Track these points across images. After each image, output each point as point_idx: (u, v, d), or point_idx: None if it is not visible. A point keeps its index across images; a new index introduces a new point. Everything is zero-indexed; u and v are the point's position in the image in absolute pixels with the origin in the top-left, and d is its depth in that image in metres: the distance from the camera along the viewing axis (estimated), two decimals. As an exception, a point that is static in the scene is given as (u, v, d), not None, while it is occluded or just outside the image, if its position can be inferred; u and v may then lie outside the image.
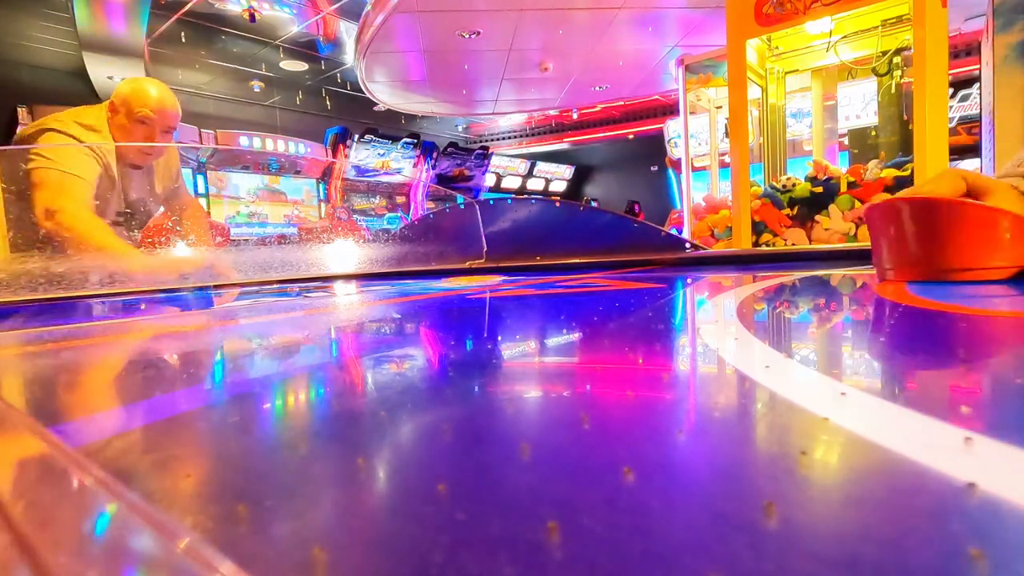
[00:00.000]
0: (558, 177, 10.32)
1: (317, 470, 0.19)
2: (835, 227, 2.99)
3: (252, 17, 5.25)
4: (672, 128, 7.62)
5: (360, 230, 7.70)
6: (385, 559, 0.13)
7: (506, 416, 0.24)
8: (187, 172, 6.45)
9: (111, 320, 0.84)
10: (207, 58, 6.21)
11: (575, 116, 8.52)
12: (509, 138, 9.76)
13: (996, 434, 0.18)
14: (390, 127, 7.99)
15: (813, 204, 3.10)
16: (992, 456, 0.16)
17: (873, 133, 3.50)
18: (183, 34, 5.58)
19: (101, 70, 5.40)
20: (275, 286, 1.34)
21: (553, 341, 0.45)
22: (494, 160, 9.27)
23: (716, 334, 0.44)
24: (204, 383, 0.38)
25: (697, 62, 4.71)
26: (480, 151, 9.00)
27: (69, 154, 1.47)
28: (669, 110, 7.74)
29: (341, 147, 7.47)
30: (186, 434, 0.25)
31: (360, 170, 8.30)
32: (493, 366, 0.36)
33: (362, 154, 7.71)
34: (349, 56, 6.22)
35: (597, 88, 6.73)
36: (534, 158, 9.89)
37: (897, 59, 3.18)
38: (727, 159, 3.84)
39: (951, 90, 4.93)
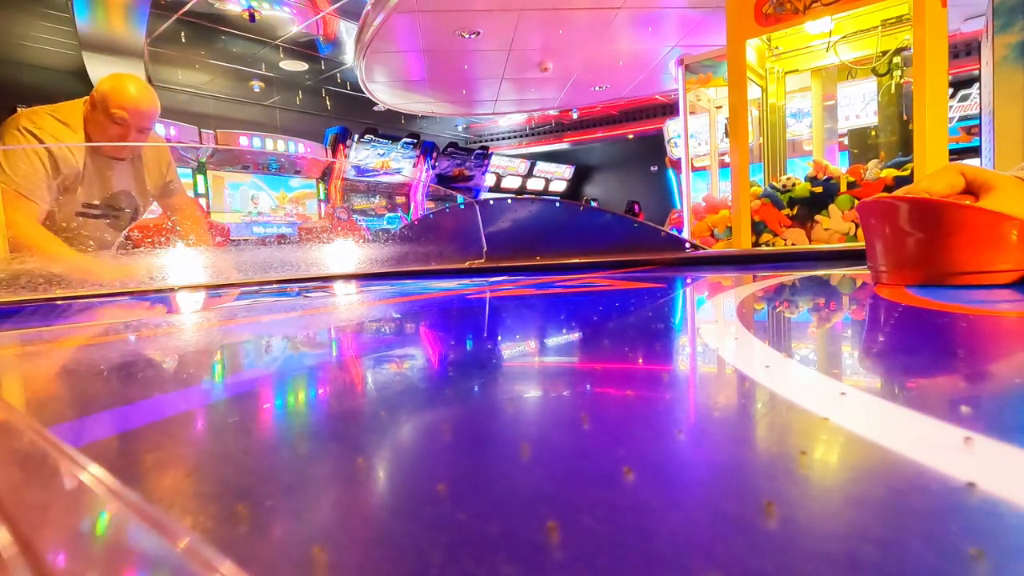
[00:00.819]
0: (558, 177, 10.32)
1: (317, 470, 0.19)
2: (835, 227, 2.99)
3: (252, 17, 5.25)
4: (672, 128, 7.62)
5: (360, 230, 7.71)
6: (385, 559, 0.12)
7: (506, 416, 0.24)
8: (187, 172, 6.47)
9: (111, 320, 0.84)
10: (207, 58, 6.21)
11: (575, 116, 8.53)
12: (509, 138, 9.76)
13: (996, 434, 0.18)
14: (390, 127, 7.99)
15: (813, 204, 3.10)
16: (992, 456, 0.16)
17: (873, 133, 3.50)
18: (183, 34, 5.58)
19: (101, 70, 5.40)
20: (275, 286, 1.34)
21: (553, 341, 0.45)
22: (494, 160, 9.27)
23: (716, 334, 0.44)
24: (203, 383, 0.38)
25: (697, 62, 4.71)
26: (480, 151, 9.01)
27: (25, 165, 1.48)
28: (669, 110, 7.75)
29: (341, 147, 7.47)
30: (185, 434, 0.25)
31: (360, 170, 8.30)
32: (493, 366, 0.36)
33: (362, 154, 7.72)
34: (349, 56, 6.22)
35: (597, 88, 6.73)
36: (534, 158, 9.89)
37: (897, 59, 3.18)
38: (727, 159, 3.84)
39: (951, 90, 4.93)
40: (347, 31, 5.75)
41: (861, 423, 0.19)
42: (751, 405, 0.24)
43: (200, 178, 6.65)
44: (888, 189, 2.89)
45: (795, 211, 3.16)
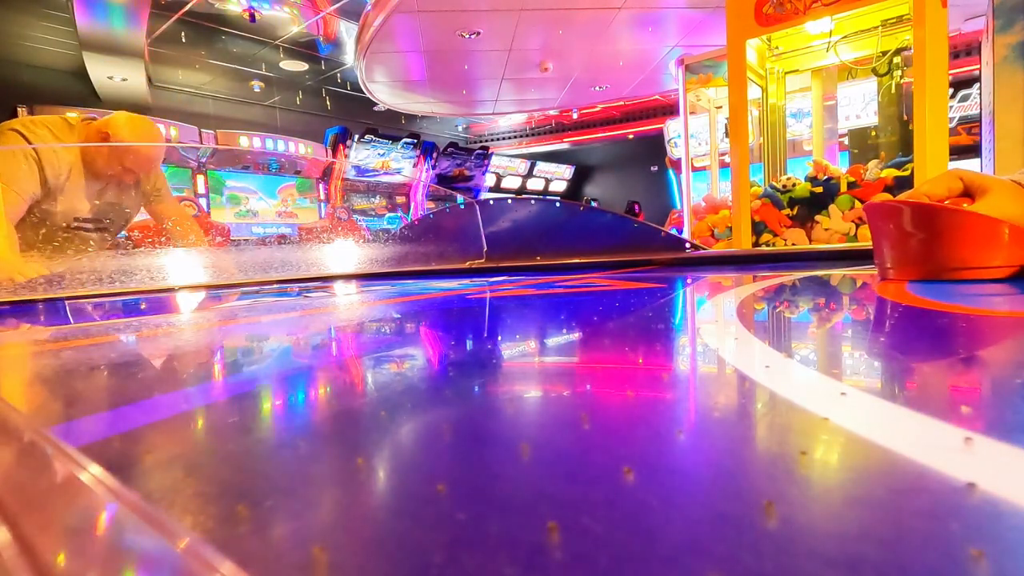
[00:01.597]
0: (558, 177, 10.32)
1: (317, 470, 0.19)
2: (835, 227, 2.99)
3: (252, 17, 5.25)
4: (672, 128, 7.62)
5: (360, 230, 7.71)
6: (385, 559, 0.13)
7: (506, 416, 0.24)
8: (187, 172, 6.48)
9: (113, 320, 0.84)
10: (207, 58, 6.21)
11: (575, 116, 8.52)
12: (509, 138, 9.76)
13: (996, 434, 0.18)
14: (390, 127, 7.99)
15: (813, 204, 3.10)
16: (992, 456, 0.16)
17: (873, 133, 3.50)
18: (183, 34, 5.58)
19: (101, 70, 5.41)
20: (275, 286, 1.34)
21: (553, 341, 0.45)
22: (494, 160, 9.27)
23: (716, 334, 0.44)
24: (203, 383, 0.38)
25: (697, 62, 4.71)
26: (480, 151, 9.01)
27: (13, 166, 1.52)
28: (669, 110, 7.74)
29: (341, 147, 7.47)
30: (185, 434, 0.25)
31: (360, 170, 8.30)
32: (493, 366, 0.36)
33: (362, 154, 7.72)
34: (349, 56, 6.22)
35: (597, 88, 6.73)
36: (534, 158, 9.89)
37: (897, 59, 3.18)
38: (727, 159, 3.84)
39: (951, 90, 4.93)
40: (347, 31, 5.75)
41: (861, 423, 0.19)
42: (751, 405, 0.24)
43: (200, 178, 6.65)
44: (888, 189, 2.89)
45: (795, 211, 3.16)
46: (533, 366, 0.36)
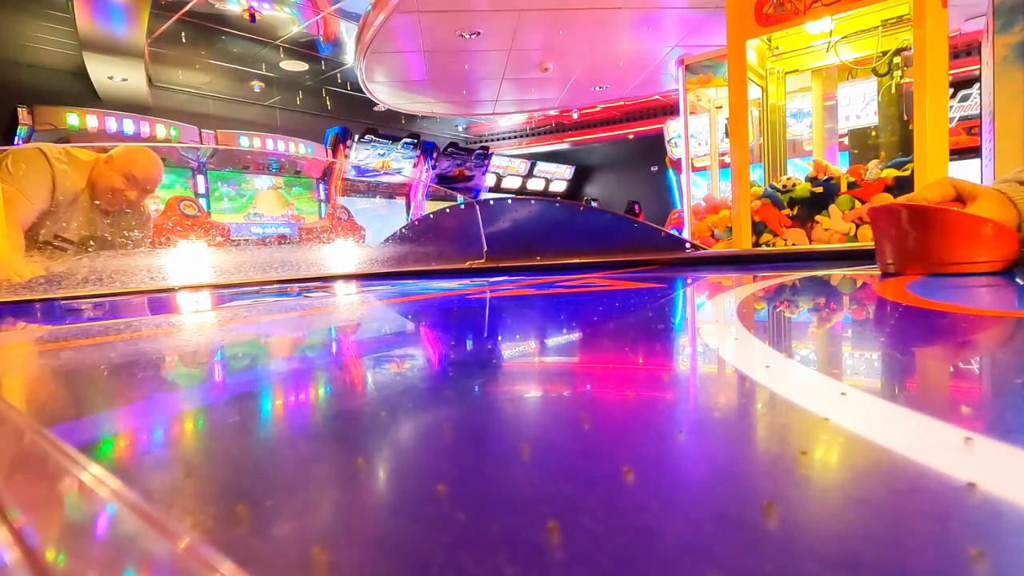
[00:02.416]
0: (558, 177, 10.32)
1: (317, 470, 0.19)
2: (835, 227, 2.99)
3: (252, 17, 5.26)
4: (672, 128, 7.62)
5: (360, 230, 7.71)
6: (385, 559, 0.13)
7: (507, 416, 0.24)
8: (187, 172, 6.48)
9: (113, 320, 0.84)
10: (207, 58, 6.21)
11: (575, 116, 8.52)
12: (509, 138, 9.76)
13: (996, 434, 0.18)
14: (390, 127, 7.99)
15: (813, 204, 3.10)
16: (992, 456, 0.16)
17: (873, 133, 3.50)
18: (183, 34, 5.58)
19: (101, 70, 5.41)
20: (275, 286, 1.34)
21: (553, 341, 0.45)
22: (494, 160, 9.27)
23: (716, 334, 0.44)
24: (203, 383, 0.38)
25: (697, 62, 4.71)
26: (480, 151, 9.00)
27: (32, 176, 1.63)
28: (669, 110, 7.74)
29: (341, 147, 7.46)
30: (185, 434, 0.25)
31: (360, 170, 8.30)
32: (493, 366, 0.36)
33: (362, 154, 7.71)
34: (349, 56, 6.22)
35: (597, 88, 6.73)
36: (534, 158, 9.88)
37: (897, 59, 3.18)
38: (727, 159, 3.84)
39: (951, 90, 4.93)
40: (347, 31, 5.75)
41: (861, 423, 0.19)
42: (751, 405, 0.24)
43: (200, 178, 6.65)
44: (888, 189, 2.89)
45: (795, 211, 3.16)
46: (533, 366, 0.36)
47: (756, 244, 3.22)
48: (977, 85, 4.92)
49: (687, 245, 1.44)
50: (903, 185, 2.85)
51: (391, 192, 8.61)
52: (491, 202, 1.70)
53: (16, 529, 0.15)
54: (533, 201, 1.63)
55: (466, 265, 1.56)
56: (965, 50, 5.61)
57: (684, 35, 5.06)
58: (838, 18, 3.12)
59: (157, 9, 4.86)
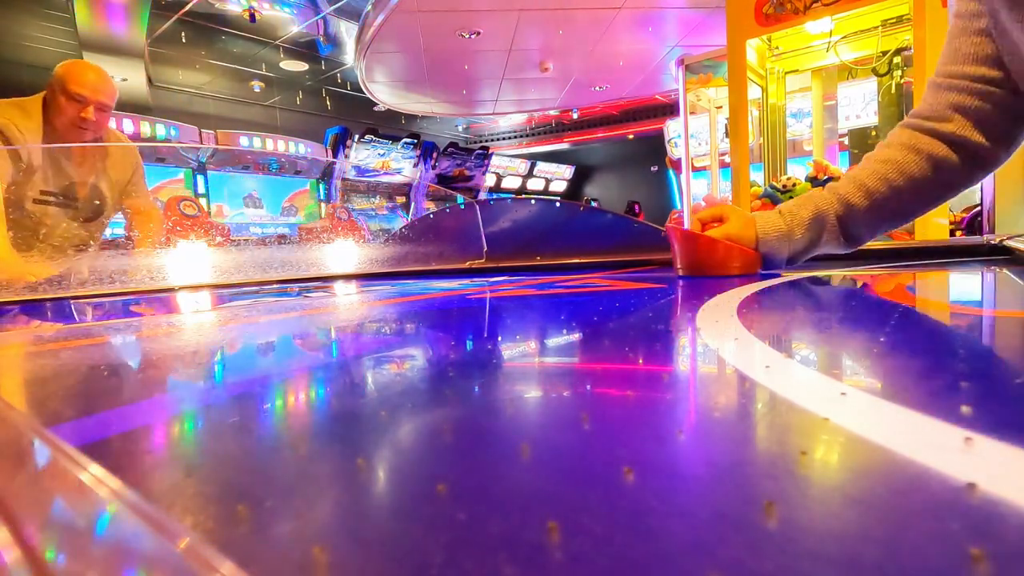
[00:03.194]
0: (558, 177, 10.32)
1: (317, 470, 0.19)
2: (835, 227, 2.98)
3: (252, 17, 5.26)
4: (672, 128, 7.62)
5: (360, 230, 7.70)
6: (385, 559, 0.13)
7: (507, 416, 0.24)
8: (187, 172, 6.48)
9: (113, 320, 0.84)
10: (207, 58, 6.21)
11: (575, 116, 8.52)
12: (509, 138, 9.76)
13: (996, 434, 0.18)
14: (390, 127, 8.00)
15: (813, 204, 3.10)
16: (992, 456, 0.16)
17: (873, 133, 3.50)
18: (183, 34, 5.58)
19: (101, 70, 5.40)
20: (275, 286, 1.34)
21: (553, 341, 0.45)
22: (494, 160, 9.27)
23: (716, 334, 0.44)
24: (203, 384, 0.38)
25: (697, 62, 4.71)
26: (480, 151, 9.01)
27: None
28: (669, 110, 7.74)
29: (341, 147, 7.47)
30: (185, 434, 0.25)
31: (360, 170, 8.30)
32: (493, 366, 0.36)
33: (362, 154, 7.71)
34: (349, 56, 6.22)
35: (597, 88, 6.73)
36: (534, 158, 9.89)
37: (897, 59, 3.18)
38: (727, 159, 3.84)
39: (951, 90, 4.91)
40: (347, 31, 5.75)
41: (861, 423, 0.19)
42: (751, 405, 0.24)
43: (200, 178, 6.65)
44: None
45: (795, 211, 3.15)
46: (533, 366, 0.36)
47: (756, 244, 3.21)
48: (977, 85, 4.90)
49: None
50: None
51: (391, 192, 8.62)
52: (491, 202, 1.71)
53: (16, 529, 0.15)
54: (533, 201, 1.63)
55: (466, 265, 1.56)
56: (965, 50, 5.59)
57: (684, 35, 5.07)
58: (838, 18, 3.12)
59: (157, 9, 4.87)
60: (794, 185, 3.20)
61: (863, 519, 0.13)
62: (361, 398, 0.30)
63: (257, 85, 6.98)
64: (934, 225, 2.71)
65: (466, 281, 1.17)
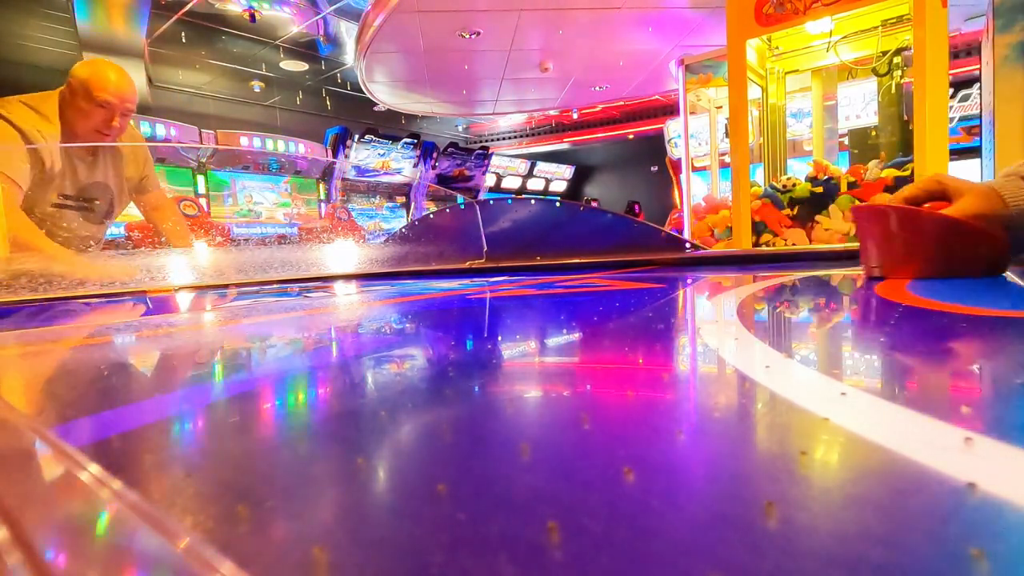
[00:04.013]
0: (558, 177, 10.32)
1: (318, 470, 0.19)
2: (835, 227, 2.99)
3: (252, 17, 5.26)
4: (672, 128, 7.62)
5: (360, 230, 7.71)
6: (386, 559, 0.13)
7: (507, 416, 0.24)
8: (187, 172, 6.48)
9: (112, 320, 0.84)
10: (207, 58, 6.21)
11: (575, 116, 8.52)
12: (509, 138, 9.76)
13: (996, 434, 0.18)
14: (390, 127, 7.99)
15: (813, 204, 3.10)
16: (992, 456, 0.16)
17: (873, 133, 3.50)
18: (183, 34, 5.58)
19: (101, 70, 5.40)
20: (275, 286, 1.34)
21: (553, 341, 0.45)
22: (494, 160, 9.27)
23: (716, 334, 0.44)
24: (203, 384, 0.38)
25: (697, 62, 4.71)
26: (480, 151, 9.00)
27: (2, 148, 1.43)
28: (669, 110, 7.74)
29: (341, 147, 7.47)
30: (186, 434, 0.25)
31: (360, 170, 8.30)
32: (493, 366, 0.36)
33: (362, 154, 7.71)
34: (349, 56, 6.22)
35: (597, 88, 6.73)
36: (534, 158, 9.89)
37: (897, 59, 3.18)
38: (727, 159, 3.84)
39: (951, 90, 4.92)
40: (347, 31, 5.75)
41: (861, 423, 0.19)
42: (751, 405, 0.24)
43: (200, 178, 6.65)
44: (888, 189, 2.89)
45: (795, 211, 3.16)
46: (533, 366, 0.36)
47: (756, 244, 3.22)
48: (977, 85, 4.92)
49: (687, 245, 1.44)
50: (903, 185, 2.85)
51: (391, 192, 8.62)
52: (491, 202, 1.71)
53: (16, 529, 0.15)
54: (533, 201, 1.63)
55: (466, 265, 1.56)
56: (965, 50, 5.60)
57: (684, 35, 5.06)
58: (838, 18, 3.12)
59: (157, 9, 4.87)
60: (794, 185, 3.20)
61: (863, 519, 0.13)
62: (361, 398, 0.30)
63: (257, 85, 6.98)
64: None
65: (466, 281, 1.17)
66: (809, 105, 3.91)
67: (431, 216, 1.94)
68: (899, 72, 3.20)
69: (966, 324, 0.40)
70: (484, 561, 0.12)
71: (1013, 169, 0.62)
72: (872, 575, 0.11)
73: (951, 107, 5.61)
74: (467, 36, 5.00)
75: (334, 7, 5.30)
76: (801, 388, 0.25)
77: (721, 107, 4.76)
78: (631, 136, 8.90)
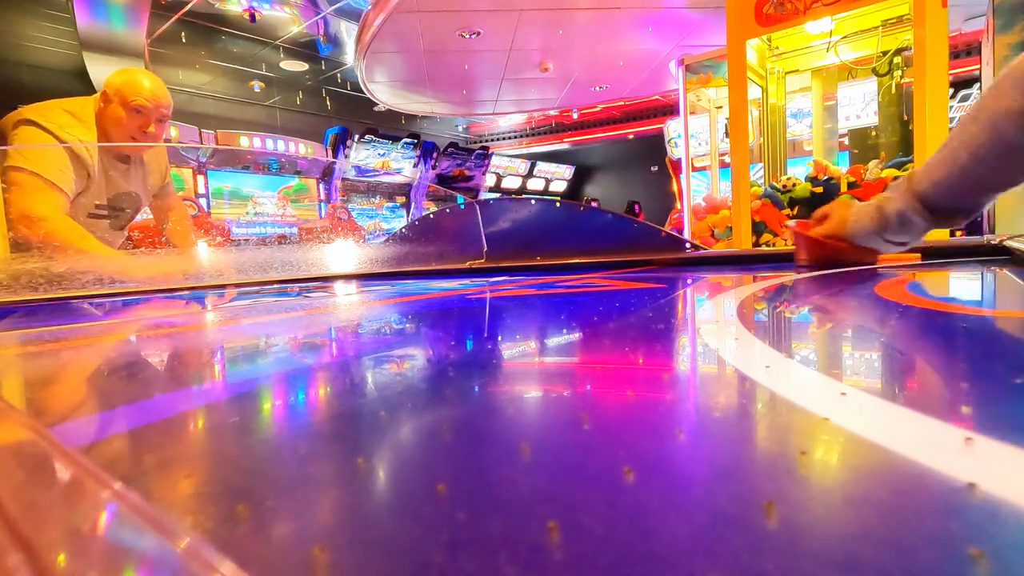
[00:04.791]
0: (558, 177, 10.32)
1: (318, 470, 0.19)
2: (835, 227, 2.99)
3: (252, 17, 5.26)
4: (672, 128, 7.62)
5: (360, 230, 7.71)
6: (386, 559, 0.12)
7: (507, 416, 0.24)
8: (187, 172, 6.48)
9: (112, 320, 0.84)
10: (207, 58, 6.21)
11: (575, 116, 8.53)
12: (509, 138, 9.76)
13: (996, 434, 0.18)
14: (390, 127, 7.99)
15: (813, 204, 3.10)
16: (992, 456, 0.16)
17: (873, 133, 3.50)
18: (183, 34, 5.58)
19: (101, 70, 5.40)
20: (275, 286, 1.34)
21: (553, 341, 0.45)
22: (494, 160, 9.27)
23: (716, 334, 0.44)
24: (203, 384, 0.38)
25: (697, 62, 4.71)
26: (480, 151, 9.01)
27: (47, 154, 1.43)
28: (669, 110, 7.75)
29: (341, 147, 7.47)
30: (186, 434, 0.25)
31: (360, 170, 8.30)
32: (493, 366, 0.36)
33: (362, 154, 7.72)
34: (349, 56, 6.22)
35: (597, 88, 6.73)
36: (534, 158, 9.89)
37: (897, 59, 3.18)
38: (727, 159, 3.85)
39: (951, 90, 4.92)
40: (347, 31, 5.75)
41: (861, 423, 0.19)
42: (751, 405, 0.24)
43: (200, 178, 6.65)
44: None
45: (795, 211, 3.16)
46: (534, 366, 0.36)
47: (756, 244, 3.22)
48: (977, 85, 4.92)
49: (687, 245, 1.44)
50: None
51: (391, 192, 8.63)
52: (491, 202, 1.71)
53: (16, 529, 0.15)
54: (533, 201, 1.63)
55: (466, 265, 1.56)
56: (965, 50, 5.60)
57: (684, 35, 5.06)
58: (838, 18, 3.12)
59: (157, 9, 4.87)
60: (794, 185, 3.20)
61: (863, 519, 0.13)
62: (361, 398, 0.30)
63: (257, 85, 6.98)
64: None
65: (466, 281, 1.17)
66: (809, 105, 3.91)
67: (431, 216, 1.94)
68: (899, 72, 3.20)
69: (966, 324, 0.40)
70: (484, 561, 0.12)
71: (900, 180, 0.86)
72: (872, 575, 0.11)
73: (951, 107, 5.61)
74: (467, 36, 5.00)
75: (334, 7, 5.30)
76: (801, 388, 0.25)
77: (721, 107, 4.76)
78: (631, 136, 8.90)
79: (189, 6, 5.08)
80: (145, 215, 1.91)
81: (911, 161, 2.87)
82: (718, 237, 3.69)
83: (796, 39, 3.45)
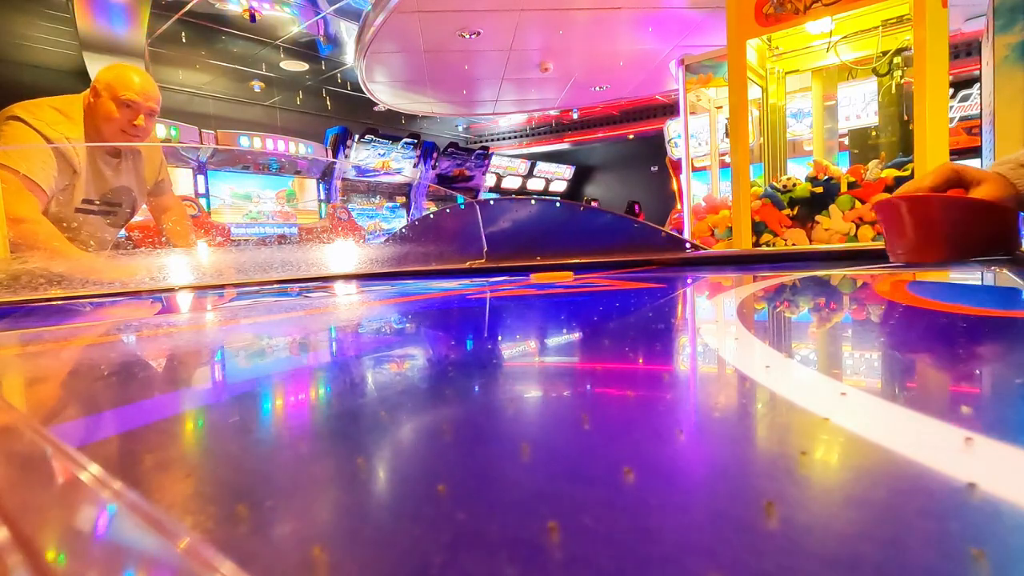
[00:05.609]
0: (558, 177, 10.33)
1: (318, 470, 0.19)
2: (835, 227, 2.99)
3: (252, 17, 5.26)
4: (672, 128, 7.63)
5: (360, 230, 7.71)
6: (386, 559, 0.13)
7: (507, 416, 0.24)
8: (187, 172, 6.48)
9: (111, 320, 0.84)
10: (207, 58, 6.21)
11: (575, 116, 8.53)
12: (509, 138, 9.76)
13: (996, 434, 0.18)
14: (390, 127, 8.00)
15: (813, 204, 3.11)
16: (992, 456, 0.16)
17: (873, 133, 3.50)
18: (183, 34, 5.59)
19: (101, 70, 5.41)
20: (275, 286, 1.34)
21: (553, 341, 0.45)
22: (494, 160, 9.27)
23: (716, 334, 0.44)
24: (202, 384, 0.38)
25: (697, 62, 4.71)
26: (480, 151, 9.01)
27: (32, 155, 1.43)
28: (669, 110, 7.75)
29: (341, 147, 7.47)
30: (186, 433, 0.25)
31: (360, 170, 8.30)
32: (493, 366, 0.36)
33: (362, 154, 7.72)
34: (349, 56, 6.22)
35: (597, 88, 6.73)
36: (534, 158, 9.89)
37: (897, 59, 3.18)
38: (727, 159, 3.85)
39: (951, 90, 4.92)
40: (347, 31, 5.75)
41: (861, 423, 0.19)
42: (751, 405, 0.24)
43: (200, 178, 6.65)
44: (888, 189, 2.89)
45: (795, 211, 3.16)
46: (534, 366, 0.36)
47: (756, 244, 3.22)
48: (977, 85, 4.93)
49: (687, 245, 1.44)
50: (903, 185, 2.85)
51: (391, 192, 8.63)
52: (491, 202, 1.71)
53: (16, 529, 0.15)
54: (533, 201, 1.63)
55: (466, 265, 1.56)
56: (965, 50, 5.61)
57: (684, 35, 5.06)
58: (838, 18, 3.12)
59: (157, 9, 4.87)
60: (794, 185, 3.20)
61: (863, 519, 0.13)
62: (361, 398, 0.30)
63: (257, 85, 6.98)
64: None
65: (466, 281, 1.17)
66: (809, 105, 3.91)
67: (431, 216, 1.94)
68: (899, 72, 3.20)
69: (966, 324, 0.40)
70: (484, 561, 0.12)
71: (1013, 157, 0.66)
72: (872, 575, 0.11)
73: (951, 107, 5.61)
74: (467, 36, 5.00)
75: (334, 7, 5.31)
76: (801, 388, 0.25)
77: (721, 107, 4.76)
78: (631, 136, 8.90)
79: (189, 6, 5.08)
80: (145, 216, 1.91)
81: (911, 161, 2.86)
82: (718, 237, 3.69)
83: (796, 39, 3.45)
